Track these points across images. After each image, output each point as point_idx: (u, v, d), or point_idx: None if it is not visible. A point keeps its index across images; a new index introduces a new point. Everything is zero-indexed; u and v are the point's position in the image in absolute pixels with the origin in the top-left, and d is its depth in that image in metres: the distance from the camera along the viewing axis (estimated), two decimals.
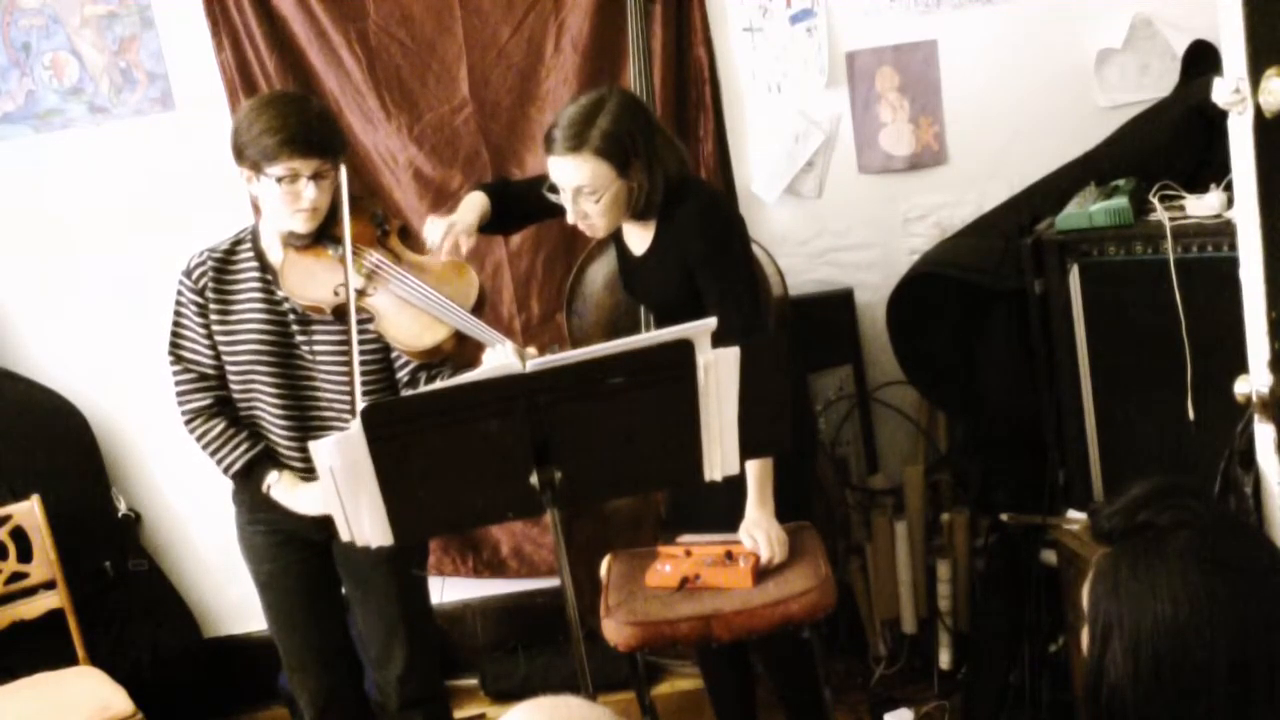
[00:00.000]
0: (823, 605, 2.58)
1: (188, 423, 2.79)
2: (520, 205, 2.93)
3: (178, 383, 2.79)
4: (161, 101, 3.59)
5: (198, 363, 2.78)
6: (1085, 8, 3.40)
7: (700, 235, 2.69)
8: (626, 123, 2.63)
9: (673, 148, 2.76)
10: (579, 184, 2.64)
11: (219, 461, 2.78)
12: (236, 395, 2.79)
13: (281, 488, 2.77)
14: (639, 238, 2.82)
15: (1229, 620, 1.51)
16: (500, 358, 2.44)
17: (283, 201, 2.62)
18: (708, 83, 3.48)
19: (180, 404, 2.79)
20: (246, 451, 2.76)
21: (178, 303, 2.78)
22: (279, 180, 2.60)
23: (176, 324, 2.79)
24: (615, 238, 2.92)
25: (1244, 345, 2.14)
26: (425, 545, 3.12)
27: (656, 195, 2.69)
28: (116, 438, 3.78)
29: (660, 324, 2.88)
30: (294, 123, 2.59)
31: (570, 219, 2.70)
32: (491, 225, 2.91)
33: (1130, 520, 1.61)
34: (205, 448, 2.79)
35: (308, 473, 2.74)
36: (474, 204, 2.85)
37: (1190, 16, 3.30)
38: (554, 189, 2.69)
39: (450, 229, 2.73)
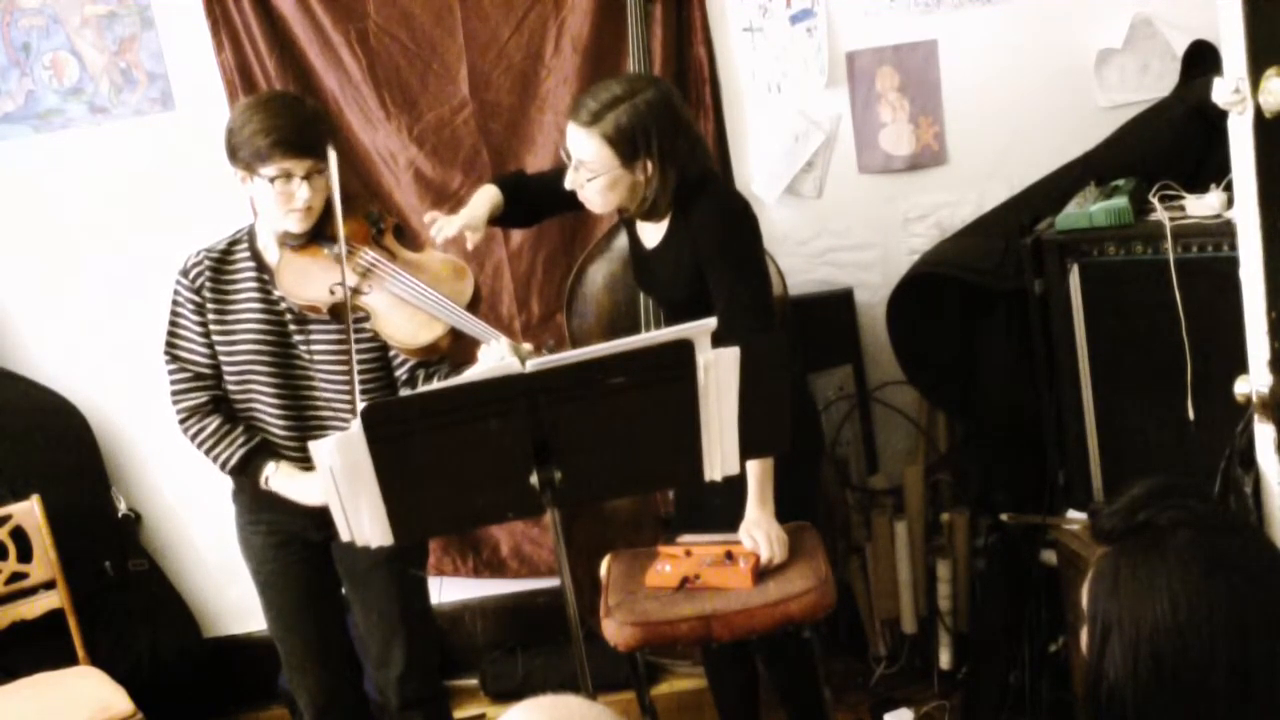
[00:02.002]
0: (823, 605, 2.58)
1: (182, 421, 2.80)
2: (535, 196, 2.94)
3: (173, 382, 2.80)
4: (161, 101, 3.59)
5: (194, 362, 2.78)
6: (1085, 8, 3.40)
7: (719, 236, 2.68)
8: (649, 121, 2.63)
9: (696, 152, 2.74)
10: (581, 158, 2.66)
11: (215, 458, 2.78)
12: (234, 395, 2.79)
13: (280, 477, 2.76)
14: (652, 230, 2.82)
15: (1229, 620, 1.51)
16: (496, 354, 2.44)
17: (276, 202, 2.63)
18: (708, 83, 3.48)
19: (175, 403, 2.80)
20: (243, 445, 2.76)
21: (174, 302, 2.79)
22: (272, 181, 2.61)
23: (173, 323, 2.80)
24: (628, 229, 2.92)
25: (1244, 345, 2.14)
26: (425, 545, 3.12)
27: (666, 197, 2.69)
28: (116, 438, 3.78)
29: (669, 319, 2.88)
30: (286, 123, 2.59)
31: (569, 185, 2.71)
32: (506, 217, 2.91)
33: (1130, 520, 1.61)
34: (200, 445, 2.79)
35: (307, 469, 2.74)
36: (484, 197, 2.86)
37: (1190, 16, 3.29)
38: (569, 152, 2.71)
39: (459, 227, 2.74)
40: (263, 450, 2.77)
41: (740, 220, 2.74)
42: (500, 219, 2.90)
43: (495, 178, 3.02)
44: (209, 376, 2.79)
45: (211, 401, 2.79)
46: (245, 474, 2.78)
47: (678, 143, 2.68)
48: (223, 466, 2.79)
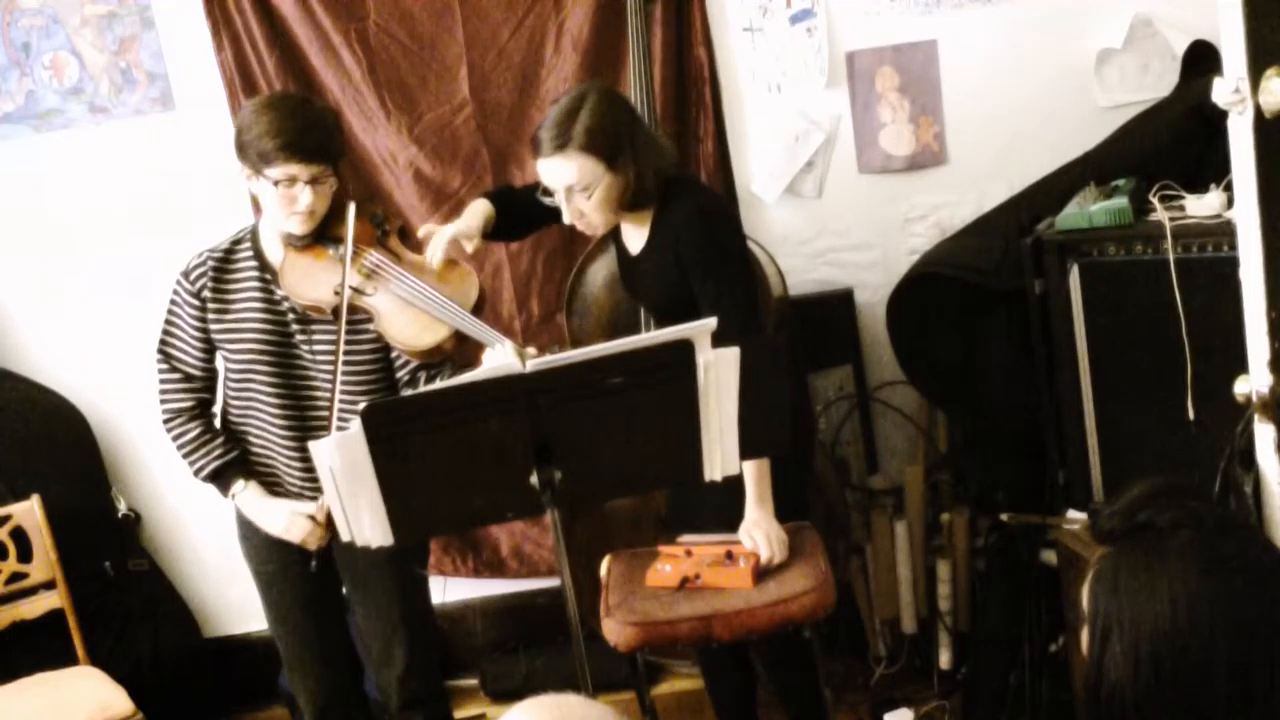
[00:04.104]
0: (823, 605, 2.58)
1: (166, 422, 2.82)
2: (524, 211, 2.93)
3: (162, 381, 2.82)
4: (161, 101, 3.59)
5: (185, 363, 2.80)
6: (1085, 8, 3.40)
7: (697, 236, 2.68)
8: (609, 116, 2.63)
9: (657, 142, 2.75)
10: (569, 182, 2.64)
11: (191, 464, 2.81)
12: (234, 396, 2.80)
13: (247, 497, 2.80)
14: (636, 236, 2.81)
15: (1229, 620, 1.51)
16: (500, 357, 2.44)
17: (279, 204, 2.64)
18: (708, 83, 3.48)
19: (162, 402, 2.82)
20: (220, 457, 2.79)
21: (172, 302, 2.81)
22: (276, 183, 2.61)
23: (168, 323, 2.81)
24: (614, 237, 2.92)
25: (1244, 345, 2.14)
26: (426, 545, 3.13)
27: (648, 185, 2.68)
28: (116, 438, 3.78)
29: (660, 324, 2.88)
30: (293, 127, 2.60)
31: (567, 220, 2.70)
32: (497, 232, 2.91)
33: (1130, 520, 1.61)
34: (179, 449, 2.82)
35: (306, 473, 2.75)
36: (477, 210, 2.86)
37: (1190, 16, 3.29)
38: (548, 192, 2.69)
39: (451, 236, 2.73)
40: (236, 465, 2.80)
41: (718, 220, 2.74)
42: (491, 233, 2.89)
43: (485, 192, 3.02)
44: (198, 379, 2.81)
45: (198, 405, 2.81)
46: (215, 485, 2.82)
47: (638, 132, 2.68)
48: (196, 473, 2.82)
